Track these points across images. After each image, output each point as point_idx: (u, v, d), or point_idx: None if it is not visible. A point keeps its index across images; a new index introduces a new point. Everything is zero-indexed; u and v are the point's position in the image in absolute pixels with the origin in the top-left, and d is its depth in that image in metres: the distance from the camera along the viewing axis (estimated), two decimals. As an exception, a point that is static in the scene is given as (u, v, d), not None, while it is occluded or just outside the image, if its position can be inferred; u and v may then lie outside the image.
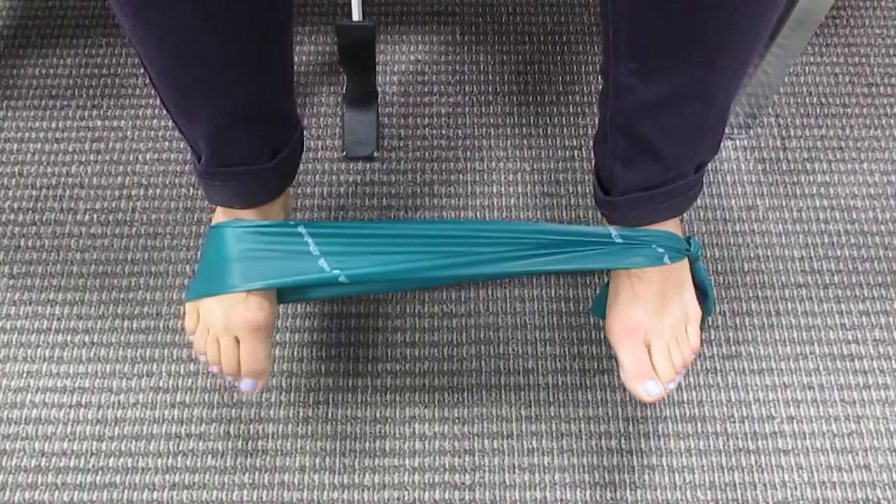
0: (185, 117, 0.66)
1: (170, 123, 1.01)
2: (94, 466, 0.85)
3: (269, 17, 0.61)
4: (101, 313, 0.91)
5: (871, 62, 1.07)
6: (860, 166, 1.00)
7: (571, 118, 1.03)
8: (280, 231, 0.72)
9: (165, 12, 0.56)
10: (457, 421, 0.87)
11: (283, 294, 0.76)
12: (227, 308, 0.71)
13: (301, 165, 0.78)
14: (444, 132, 1.02)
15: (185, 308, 0.76)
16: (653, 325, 0.72)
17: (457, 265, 0.71)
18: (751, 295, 0.93)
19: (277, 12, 0.62)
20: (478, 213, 0.97)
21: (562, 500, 0.84)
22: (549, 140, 1.01)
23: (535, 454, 0.86)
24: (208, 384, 0.88)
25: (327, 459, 0.85)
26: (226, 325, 0.72)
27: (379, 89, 1.03)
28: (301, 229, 0.72)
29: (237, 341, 0.72)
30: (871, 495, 0.84)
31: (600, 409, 0.88)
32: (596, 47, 1.07)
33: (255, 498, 0.84)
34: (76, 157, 1.00)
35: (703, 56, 0.59)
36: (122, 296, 0.92)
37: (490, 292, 0.93)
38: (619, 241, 0.71)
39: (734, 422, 0.87)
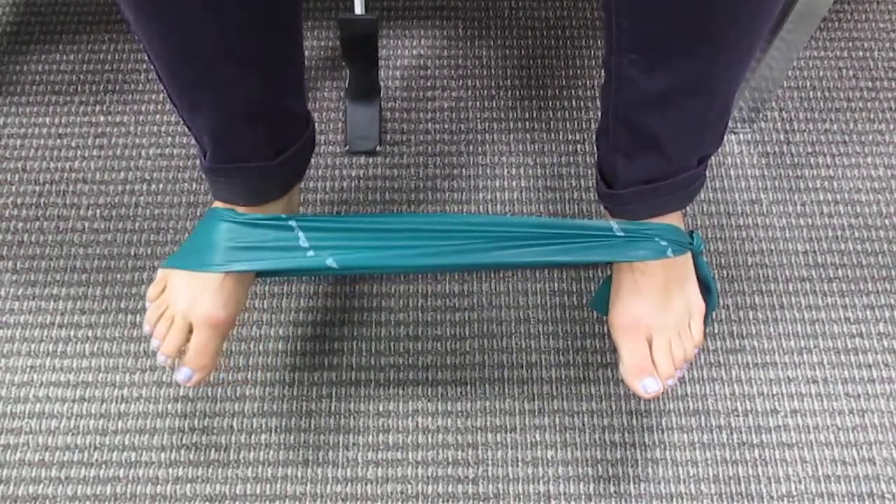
0: (189, 111, 0.66)
1: (173, 119, 1.01)
2: (97, 460, 0.85)
3: (274, 13, 0.61)
4: (104, 308, 0.91)
5: (874, 56, 1.06)
6: (864, 160, 1.00)
7: (574, 112, 1.03)
8: (271, 225, 0.71)
9: (168, 5, 0.56)
10: (460, 415, 0.87)
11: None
12: (195, 292, 0.70)
13: (305, 161, 0.78)
14: (446, 126, 1.02)
15: (157, 274, 0.74)
16: (655, 320, 0.72)
17: (450, 253, 0.70)
18: (754, 289, 0.93)
19: (282, 8, 0.62)
20: (481, 207, 0.97)
21: (565, 493, 0.84)
22: (552, 134, 1.01)
23: (539, 448, 0.86)
24: (211, 378, 0.88)
25: (330, 453, 0.86)
26: (186, 309, 0.71)
27: (381, 84, 1.03)
28: (292, 223, 0.71)
29: (190, 329, 0.71)
30: (875, 489, 0.84)
31: (603, 402, 0.88)
32: (598, 42, 1.07)
33: (258, 491, 0.84)
34: (79, 152, 1.00)
35: (705, 49, 0.59)
36: (125, 290, 0.92)
37: (493, 286, 0.93)
38: (621, 234, 0.71)
39: (738, 415, 0.87)
